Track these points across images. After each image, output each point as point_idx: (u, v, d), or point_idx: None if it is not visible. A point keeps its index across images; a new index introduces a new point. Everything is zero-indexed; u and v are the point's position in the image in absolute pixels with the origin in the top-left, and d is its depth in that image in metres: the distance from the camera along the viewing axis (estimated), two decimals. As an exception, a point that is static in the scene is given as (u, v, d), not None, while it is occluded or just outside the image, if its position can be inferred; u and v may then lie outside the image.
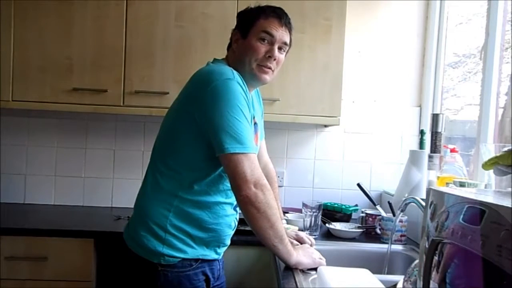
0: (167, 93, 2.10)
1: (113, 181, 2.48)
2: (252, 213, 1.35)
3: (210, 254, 1.47)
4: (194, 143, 1.41)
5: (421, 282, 0.89)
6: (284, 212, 2.13)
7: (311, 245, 1.62)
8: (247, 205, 1.34)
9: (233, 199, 1.46)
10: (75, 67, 2.13)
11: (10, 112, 2.33)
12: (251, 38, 1.47)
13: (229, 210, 1.48)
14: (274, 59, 1.49)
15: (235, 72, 1.41)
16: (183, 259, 1.41)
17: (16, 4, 2.09)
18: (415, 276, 1.12)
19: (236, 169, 1.33)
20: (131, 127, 2.47)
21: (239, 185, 1.34)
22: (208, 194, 1.43)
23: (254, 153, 1.38)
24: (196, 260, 1.44)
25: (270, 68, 1.49)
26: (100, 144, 2.47)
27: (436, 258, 0.84)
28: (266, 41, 1.47)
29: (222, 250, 1.53)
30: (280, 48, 1.50)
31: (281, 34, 1.48)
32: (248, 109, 1.40)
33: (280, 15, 1.49)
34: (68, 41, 2.12)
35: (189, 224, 1.42)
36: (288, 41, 1.52)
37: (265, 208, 1.34)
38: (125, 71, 2.13)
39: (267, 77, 1.50)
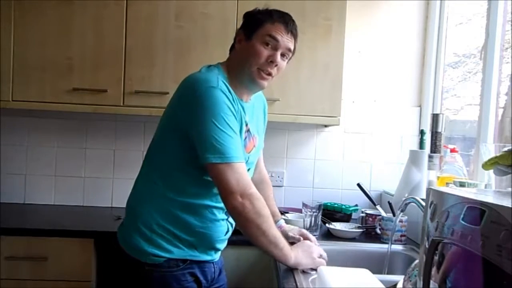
0: (167, 93, 2.10)
1: (113, 181, 2.48)
2: (242, 222, 1.36)
3: (200, 255, 1.45)
4: (181, 148, 1.41)
5: (421, 282, 0.89)
6: (284, 212, 2.13)
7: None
8: (236, 215, 1.36)
9: None
10: (75, 67, 2.12)
11: (10, 112, 2.33)
12: (255, 41, 1.44)
13: (219, 214, 1.46)
14: (276, 65, 1.46)
15: (220, 79, 1.39)
16: (169, 259, 1.40)
17: (16, 4, 2.09)
18: (415, 276, 1.12)
19: (220, 180, 1.34)
20: (131, 127, 2.46)
21: (225, 196, 1.34)
22: (197, 197, 1.42)
23: (240, 162, 1.36)
24: (184, 260, 1.42)
25: (269, 73, 1.46)
26: (100, 144, 2.47)
27: (436, 258, 0.84)
28: (269, 46, 1.44)
29: (213, 253, 1.51)
30: (283, 55, 1.47)
31: (286, 40, 1.45)
32: (234, 117, 1.38)
33: (286, 21, 1.47)
34: (68, 41, 2.12)
35: (175, 226, 1.41)
36: (292, 48, 1.49)
37: (254, 217, 1.33)
38: (125, 71, 2.13)
39: (265, 83, 1.48)
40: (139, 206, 1.46)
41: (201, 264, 1.46)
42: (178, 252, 1.42)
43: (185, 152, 1.40)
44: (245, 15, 1.54)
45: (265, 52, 1.44)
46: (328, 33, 2.18)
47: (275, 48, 1.45)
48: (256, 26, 1.46)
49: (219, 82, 1.38)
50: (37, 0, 2.10)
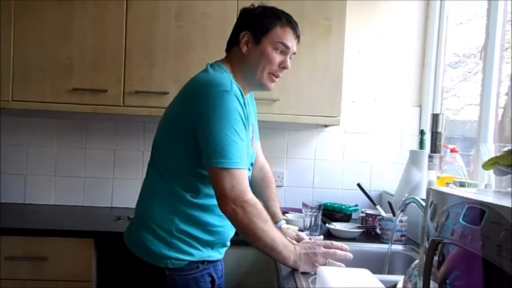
0: (167, 93, 2.10)
1: (113, 181, 2.48)
2: (236, 226, 1.38)
3: (215, 255, 1.48)
4: (190, 148, 1.40)
5: (421, 282, 0.89)
6: (284, 212, 2.12)
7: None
8: (229, 219, 1.37)
9: None
10: (75, 67, 2.13)
11: (10, 112, 2.33)
12: (266, 46, 1.48)
13: None
14: (285, 69, 1.53)
15: (233, 82, 1.39)
16: (190, 261, 1.41)
17: (16, 4, 2.09)
18: (415, 276, 1.12)
19: (216, 184, 1.34)
20: (131, 127, 2.46)
21: (218, 201, 1.35)
22: (211, 197, 1.42)
23: (241, 168, 1.35)
24: (202, 262, 1.44)
25: (279, 76, 1.54)
26: (100, 144, 2.47)
27: (436, 258, 0.84)
28: (280, 51, 1.50)
29: (224, 250, 1.54)
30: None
31: (294, 45, 1.53)
32: (243, 122, 1.38)
33: (295, 27, 1.53)
34: (68, 41, 2.12)
35: (196, 227, 1.42)
36: (296, 51, 1.56)
37: (247, 223, 1.33)
38: (125, 71, 2.13)
39: (273, 85, 1.55)
40: (153, 210, 1.44)
41: (214, 263, 1.49)
42: (198, 254, 1.42)
43: (194, 155, 1.39)
44: (250, 15, 1.52)
45: (277, 58, 1.50)
46: (328, 33, 2.18)
47: (285, 53, 1.52)
48: (265, 29, 1.48)
49: (233, 85, 1.37)
50: (37, 0, 2.10)
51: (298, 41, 1.56)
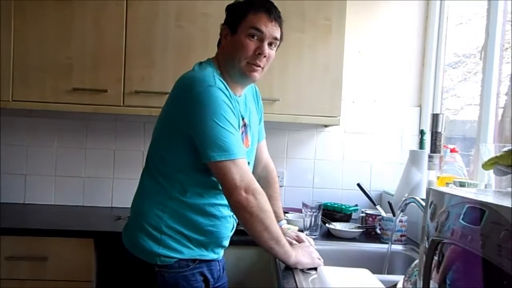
0: (167, 93, 2.07)
1: (113, 181, 2.48)
2: (245, 217, 1.36)
3: (209, 255, 1.47)
4: (182, 148, 1.41)
5: (421, 282, 0.89)
6: (284, 212, 2.12)
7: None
8: (240, 210, 1.35)
9: None
10: (75, 67, 2.12)
11: (10, 112, 2.33)
12: (240, 34, 1.43)
13: (225, 211, 1.47)
14: (264, 56, 1.44)
15: (216, 77, 1.39)
16: (180, 259, 1.41)
17: (16, 4, 2.09)
18: (415, 276, 1.12)
19: (225, 177, 1.34)
20: (131, 127, 2.46)
21: (229, 192, 1.35)
22: (202, 196, 1.43)
23: (242, 158, 1.37)
24: (194, 260, 1.43)
25: (259, 66, 1.45)
26: (100, 144, 2.47)
27: (436, 258, 0.84)
28: (255, 38, 1.43)
29: (220, 251, 1.53)
30: (270, 44, 1.45)
31: (271, 29, 1.43)
32: (233, 113, 1.38)
33: (269, 10, 1.44)
34: (68, 41, 2.12)
35: (185, 226, 1.42)
36: (278, 36, 1.47)
37: (258, 212, 1.34)
38: (125, 71, 2.13)
39: (256, 75, 1.46)
40: (144, 208, 1.45)
41: (208, 263, 1.47)
42: (188, 252, 1.42)
43: (187, 153, 1.40)
44: (227, 8, 1.52)
45: (251, 44, 1.42)
46: (328, 33, 2.18)
47: (261, 39, 1.43)
48: (239, 18, 1.44)
49: (216, 80, 1.38)
50: (37, 0, 2.10)
51: (280, 25, 1.46)
